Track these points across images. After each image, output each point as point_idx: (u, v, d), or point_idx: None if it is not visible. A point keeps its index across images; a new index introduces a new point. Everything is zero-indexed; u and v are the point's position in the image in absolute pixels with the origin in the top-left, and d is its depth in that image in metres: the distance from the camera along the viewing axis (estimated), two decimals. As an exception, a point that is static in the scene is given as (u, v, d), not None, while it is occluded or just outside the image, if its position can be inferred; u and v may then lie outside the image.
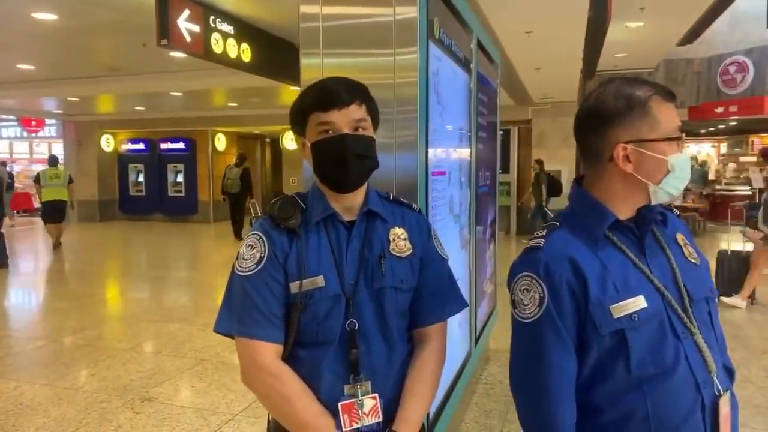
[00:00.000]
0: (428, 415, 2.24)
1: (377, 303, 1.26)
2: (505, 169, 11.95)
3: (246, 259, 1.24)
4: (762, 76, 11.29)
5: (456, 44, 2.76)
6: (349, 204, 1.30)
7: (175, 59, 7.25)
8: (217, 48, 5.17)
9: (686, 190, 12.75)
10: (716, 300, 1.24)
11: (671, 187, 1.12)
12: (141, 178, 15.64)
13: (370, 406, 1.22)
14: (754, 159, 17.57)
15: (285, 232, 1.25)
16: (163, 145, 15.38)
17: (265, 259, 1.22)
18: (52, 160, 10.42)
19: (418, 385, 1.28)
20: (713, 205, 13.69)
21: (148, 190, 15.57)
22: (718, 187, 14.49)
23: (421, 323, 1.33)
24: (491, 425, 3.31)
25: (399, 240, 1.30)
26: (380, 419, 1.23)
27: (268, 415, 1.32)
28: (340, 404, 1.21)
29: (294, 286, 1.22)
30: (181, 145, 15.21)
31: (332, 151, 1.23)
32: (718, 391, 1.11)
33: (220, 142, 15.33)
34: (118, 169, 15.84)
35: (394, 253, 1.29)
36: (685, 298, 1.13)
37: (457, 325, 2.88)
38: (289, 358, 1.25)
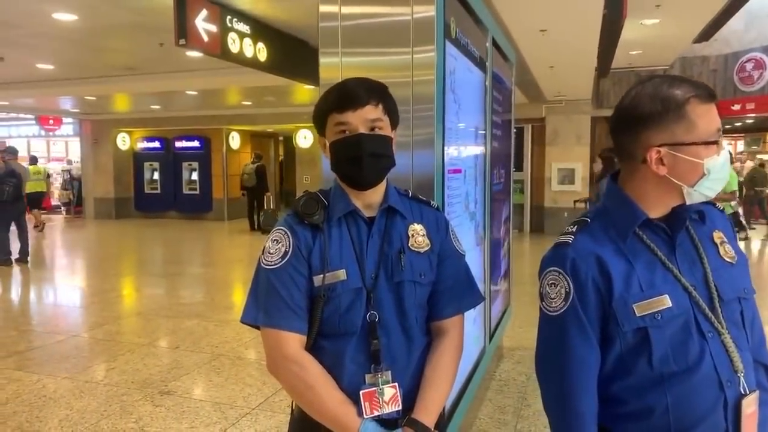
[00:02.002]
0: (444, 409, 2.27)
1: (397, 296, 1.30)
2: (519, 167, 11.91)
3: (272, 253, 1.29)
4: (779, 74, 11.15)
5: (472, 43, 2.78)
6: (369, 201, 1.34)
7: (191, 58, 7.34)
8: (234, 48, 5.23)
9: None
10: (753, 300, 1.22)
11: (707, 188, 1.11)
12: (156, 176, 15.81)
13: (390, 394, 1.26)
14: (771, 157, 17.32)
15: (309, 227, 1.30)
16: (178, 144, 15.53)
17: (290, 253, 1.27)
18: (33, 160, 13.18)
19: (437, 376, 1.32)
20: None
21: (163, 188, 15.73)
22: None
23: (438, 316, 1.37)
24: (505, 420, 3.34)
25: (418, 236, 1.35)
26: (400, 408, 1.27)
27: (292, 403, 1.37)
28: (361, 392, 1.25)
29: (317, 279, 1.27)
30: (195, 144, 15.34)
31: (348, 151, 1.28)
32: (744, 391, 1.11)
33: (234, 141, 15.44)
34: (134, 167, 16.02)
35: (413, 248, 1.33)
36: (714, 297, 1.13)
37: (472, 322, 2.91)
38: (312, 348, 1.29)
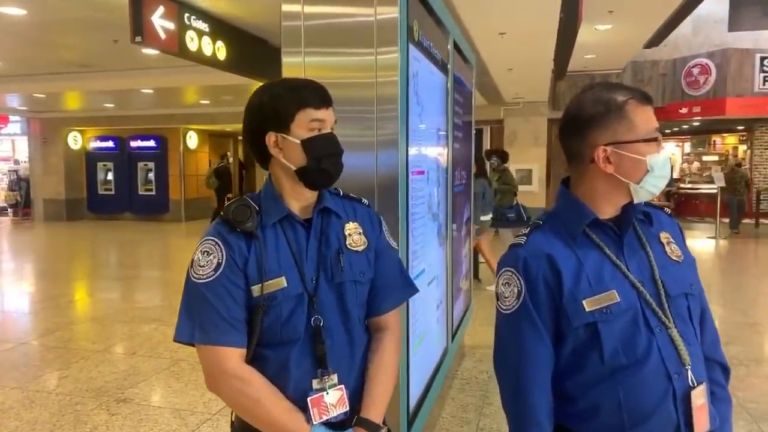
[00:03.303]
0: (408, 409, 2.29)
1: (339, 297, 1.28)
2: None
3: (203, 266, 1.23)
4: (723, 78, 11.70)
5: (434, 46, 2.81)
6: (308, 202, 1.32)
7: (146, 56, 7.15)
8: (192, 46, 5.12)
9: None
10: (700, 296, 1.28)
11: (651, 185, 1.17)
12: (110, 177, 15.35)
13: (337, 397, 1.25)
14: (716, 158, 18.16)
15: (242, 235, 1.24)
16: (133, 143, 15.11)
17: (223, 264, 1.22)
18: None
19: (381, 372, 1.32)
20: (678, 203, 14.10)
21: (117, 189, 15.28)
22: (682, 185, 14.92)
23: (377, 312, 1.37)
24: (468, 419, 3.38)
25: (354, 234, 1.34)
26: (347, 409, 1.27)
27: (231, 414, 1.33)
28: (309, 399, 1.23)
29: (256, 290, 1.22)
30: (151, 143, 14.96)
31: (328, 148, 1.26)
32: (692, 383, 1.15)
33: (192, 140, 15.14)
34: (87, 168, 15.50)
35: (350, 247, 1.32)
36: (662, 293, 1.18)
37: (435, 321, 2.94)
38: (254, 358, 1.25)
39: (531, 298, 1.18)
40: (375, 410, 1.28)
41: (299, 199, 1.31)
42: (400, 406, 2.17)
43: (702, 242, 10.94)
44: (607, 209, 1.22)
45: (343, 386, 1.26)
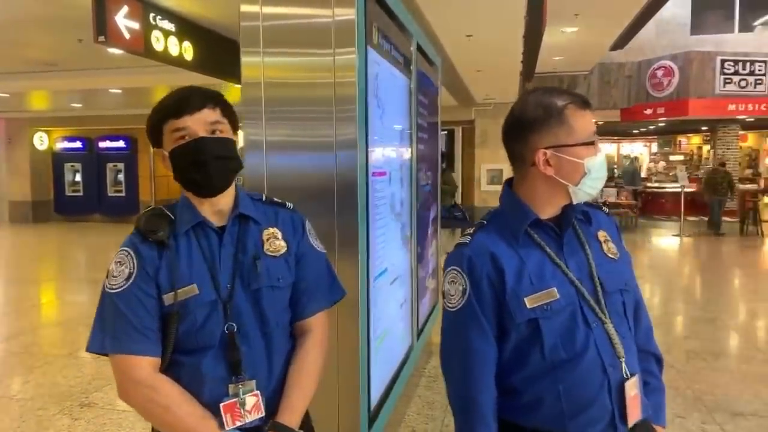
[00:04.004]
0: (369, 406, 2.32)
1: (255, 303, 1.29)
2: (451, 168, 12.19)
3: (115, 276, 1.24)
4: (686, 80, 12.02)
5: (395, 48, 2.84)
6: (219, 208, 1.31)
7: (113, 56, 7.01)
8: (158, 46, 5.07)
9: (619, 187, 13.35)
10: (635, 291, 1.33)
11: (589, 187, 1.22)
12: (78, 178, 15.03)
13: (252, 403, 1.25)
14: (681, 157, 18.64)
15: (154, 245, 1.25)
16: (102, 144, 14.83)
17: (134, 274, 1.23)
18: None
19: (299, 376, 1.32)
20: (645, 201, 14.42)
21: (85, 190, 14.99)
22: (648, 184, 15.26)
23: (300, 316, 1.37)
24: (434, 416, 3.43)
25: (273, 240, 1.34)
26: (263, 414, 1.27)
27: (151, 428, 1.33)
28: (221, 405, 1.23)
29: (168, 298, 1.23)
30: (121, 144, 14.70)
31: (191, 155, 1.24)
32: (626, 375, 1.21)
33: (163, 141, 14.90)
34: (54, 169, 15.16)
35: (268, 253, 1.32)
36: (598, 290, 1.23)
37: (398, 320, 2.98)
38: (170, 365, 1.25)
39: (475, 295, 1.22)
40: (290, 414, 1.28)
41: (206, 205, 1.30)
42: (361, 403, 2.20)
43: (666, 240, 11.22)
44: (548, 209, 1.26)
45: (258, 392, 1.26)
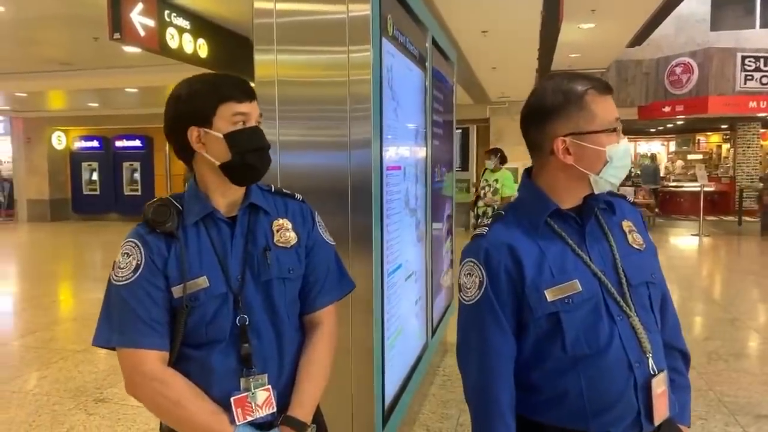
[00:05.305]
0: (383, 404, 2.29)
1: (266, 295, 1.26)
2: (465, 167, 12.12)
3: (122, 268, 1.21)
4: (705, 77, 11.83)
5: (410, 42, 2.81)
6: (235, 198, 1.29)
7: (129, 54, 7.08)
8: (173, 43, 5.09)
9: (636, 186, 13.19)
10: (661, 284, 1.28)
11: (611, 176, 1.17)
12: (95, 177, 15.19)
13: (263, 398, 1.23)
14: (700, 156, 18.37)
15: (162, 236, 1.23)
16: (118, 143, 14.98)
17: (142, 266, 1.20)
18: None
19: (310, 369, 1.30)
20: (663, 200, 14.24)
21: (102, 189, 15.13)
22: (666, 183, 15.06)
23: (311, 308, 1.35)
24: (449, 415, 3.39)
25: (284, 231, 1.31)
26: (274, 410, 1.25)
27: (161, 424, 1.31)
28: (232, 399, 1.21)
29: (177, 290, 1.20)
30: (137, 143, 14.84)
31: (254, 142, 1.24)
32: (653, 371, 1.16)
33: (178, 140, 15.01)
34: (71, 168, 15.35)
35: (279, 244, 1.30)
36: (623, 282, 1.18)
37: (413, 317, 2.95)
38: (179, 359, 1.23)
39: (492, 288, 1.18)
40: (302, 408, 1.26)
41: (226, 195, 1.28)
42: (375, 401, 2.18)
43: (685, 240, 11.06)
44: (569, 199, 1.21)
45: (270, 387, 1.24)
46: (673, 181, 15.58)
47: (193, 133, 1.24)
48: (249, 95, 1.25)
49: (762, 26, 12.79)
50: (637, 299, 1.19)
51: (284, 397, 1.28)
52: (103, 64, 8.22)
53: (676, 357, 1.31)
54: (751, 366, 4.29)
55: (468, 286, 1.22)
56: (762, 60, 11.72)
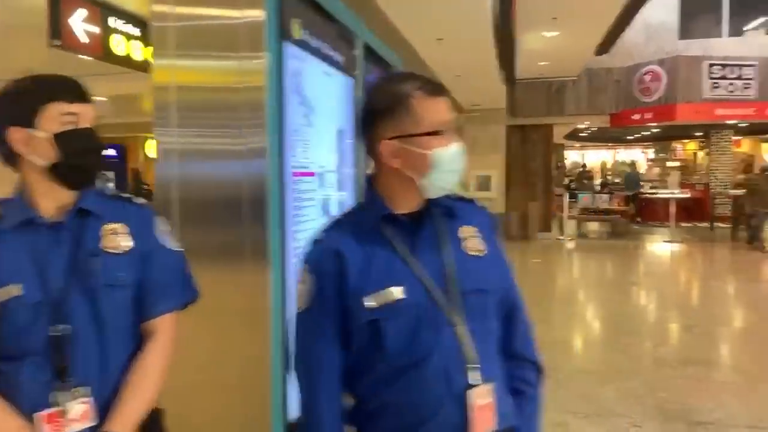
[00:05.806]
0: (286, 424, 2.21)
1: (92, 304, 1.22)
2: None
3: None
4: (674, 85, 11.94)
5: (331, 47, 2.77)
6: (66, 203, 1.26)
7: (92, 63, 7.00)
8: (120, 50, 5.03)
9: (610, 193, 13.26)
10: (508, 292, 1.24)
11: (440, 180, 1.14)
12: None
13: (80, 411, 1.18)
14: (678, 164, 18.56)
15: None
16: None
17: None
18: None
19: (135, 380, 1.26)
20: (640, 207, 14.33)
21: (75, 199, 15.02)
22: (642, 191, 15.18)
23: (145, 316, 1.31)
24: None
25: (113, 236, 1.27)
26: (94, 423, 1.20)
27: None
28: (36, 415, 1.15)
29: None
30: (110, 152, 14.72)
31: (84, 143, 1.22)
32: (475, 382, 1.11)
33: (153, 149, 14.93)
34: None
35: (108, 249, 1.25)
36: (453, 290, 1.13)
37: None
38: None
39: (319, 296, 1.14)
40: (121, 421, 1.21)
41: (56, 200, 1.24)
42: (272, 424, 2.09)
43: (658, 246, 11.13)
44: (405, 204, 1.18)
45: (89, 399, 1.19)
46: (650, 188, 15.71)
47: (15, 134, 1.20)
48: (81, 96, 1.23)
49: (730, 35, 12.95)
50: (470, 307, 1.15)
51: (109, 408, 1.23)
52: (66, 73, 8.12)
53: (526, 367, 1.27)
54: (697, 372, 4.28)
55: (300, 294, 1.18)
56: (728, 68, 11.84)
